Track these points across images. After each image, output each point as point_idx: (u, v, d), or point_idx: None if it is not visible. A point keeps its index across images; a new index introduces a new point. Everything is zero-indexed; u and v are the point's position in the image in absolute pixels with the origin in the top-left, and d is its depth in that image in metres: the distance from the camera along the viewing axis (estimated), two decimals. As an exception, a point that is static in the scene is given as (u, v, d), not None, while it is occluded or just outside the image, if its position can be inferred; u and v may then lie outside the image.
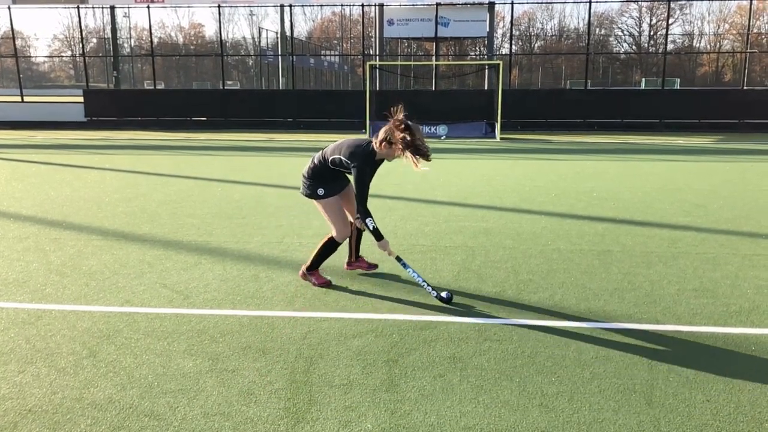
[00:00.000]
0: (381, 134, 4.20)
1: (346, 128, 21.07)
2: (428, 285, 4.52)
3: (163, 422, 2.92)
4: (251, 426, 2.90)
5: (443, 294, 4.45)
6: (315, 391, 3.22)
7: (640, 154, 14.55)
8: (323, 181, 4.52)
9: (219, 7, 24.27)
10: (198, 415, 2.98)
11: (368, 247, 5.25)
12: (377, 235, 4.38)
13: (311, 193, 4.58)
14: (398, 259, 4.63)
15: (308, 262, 4.80)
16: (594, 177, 10.70)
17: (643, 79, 50.14)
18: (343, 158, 4.30)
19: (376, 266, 5.14)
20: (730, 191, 9.15)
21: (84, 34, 28.07)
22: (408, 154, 4.12)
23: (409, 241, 6.13)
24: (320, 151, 4.57)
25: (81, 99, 23.34)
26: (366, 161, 4.22)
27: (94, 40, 56.99)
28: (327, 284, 4.79)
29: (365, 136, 4.06)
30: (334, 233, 4.68)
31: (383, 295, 4.62)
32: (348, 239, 4.90)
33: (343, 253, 5.05)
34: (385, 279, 5.02)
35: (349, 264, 5.15)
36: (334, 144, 4.49)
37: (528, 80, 62.86)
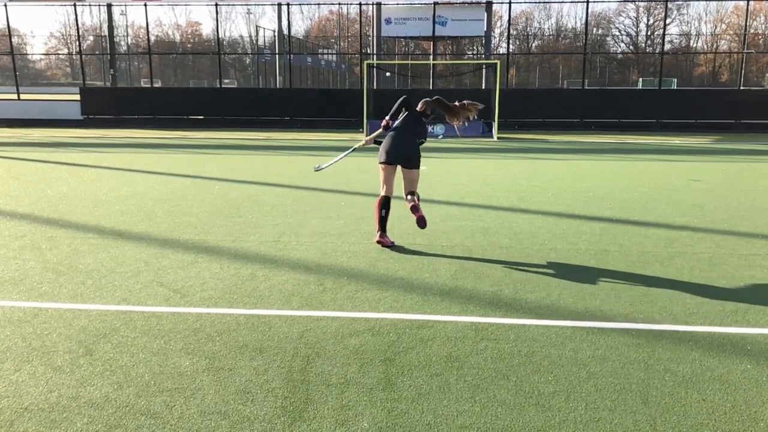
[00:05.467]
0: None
1: (344, 127, 21.07)
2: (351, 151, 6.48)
3: (159, 421, 2.92)
4: (248, 424, 2.89)
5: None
6: (312, 389, 3.22)
7: (637, 153, 14.57)
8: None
9: (216, 5, 24.24)
10: (195, 414, 2.98)
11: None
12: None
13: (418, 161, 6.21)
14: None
15: (376, 227, 5.88)
16: (591, 177, 10.71)
17: (640, 79, 50.22)
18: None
19: (393, 243, 6.03)
20: (726, 191, 9.18)
21: (81, 31, 28.02)
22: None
23: (406, 240, 6.13)
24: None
25: (77, 97, 23.29)
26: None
27: (91, 38, 56.88)
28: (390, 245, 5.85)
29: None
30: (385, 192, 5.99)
31: (380, 294, 4.63)
32: (381, 217, 5.93)
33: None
34: (382, 278, 5.03)
35: (381, 238, 5.99)
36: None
37: (525, 80, 62.91)
